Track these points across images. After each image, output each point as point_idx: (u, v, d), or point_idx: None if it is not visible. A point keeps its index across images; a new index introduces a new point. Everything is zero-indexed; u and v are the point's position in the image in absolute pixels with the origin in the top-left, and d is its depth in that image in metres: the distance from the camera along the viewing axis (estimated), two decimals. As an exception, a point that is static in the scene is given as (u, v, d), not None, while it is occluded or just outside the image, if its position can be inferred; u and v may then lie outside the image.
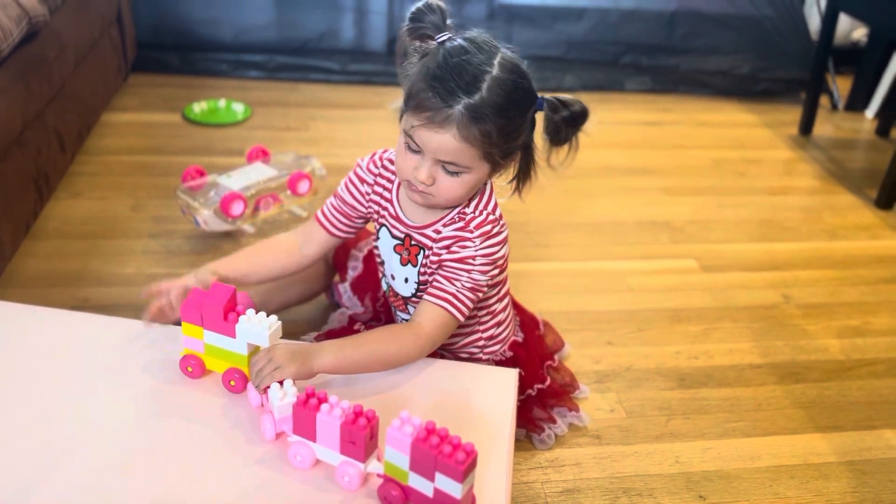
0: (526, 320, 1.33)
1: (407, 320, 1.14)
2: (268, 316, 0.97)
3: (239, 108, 2.31)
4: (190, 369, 1.00)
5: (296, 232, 1.21)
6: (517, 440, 1.18)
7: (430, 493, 0.81)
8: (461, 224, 1.06)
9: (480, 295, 1.08)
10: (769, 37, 2.69)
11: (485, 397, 1.03)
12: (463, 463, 0.77)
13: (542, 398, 1.23)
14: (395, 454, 0.82)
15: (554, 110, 1.01)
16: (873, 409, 1.34)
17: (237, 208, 1.61)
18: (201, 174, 1.69)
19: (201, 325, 0.97)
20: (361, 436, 0.83)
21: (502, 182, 1.09)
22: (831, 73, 2.72)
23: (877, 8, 2.15)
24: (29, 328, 1.08)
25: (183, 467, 0.89)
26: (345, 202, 1.17)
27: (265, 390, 0.92)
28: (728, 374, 1.40)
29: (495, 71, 0.95)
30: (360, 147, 2.13)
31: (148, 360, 1.03)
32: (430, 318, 1.04)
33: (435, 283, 1.06)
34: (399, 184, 1.11)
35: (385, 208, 1.13)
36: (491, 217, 1.06)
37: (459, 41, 0.98)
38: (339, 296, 1.39)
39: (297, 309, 1.41)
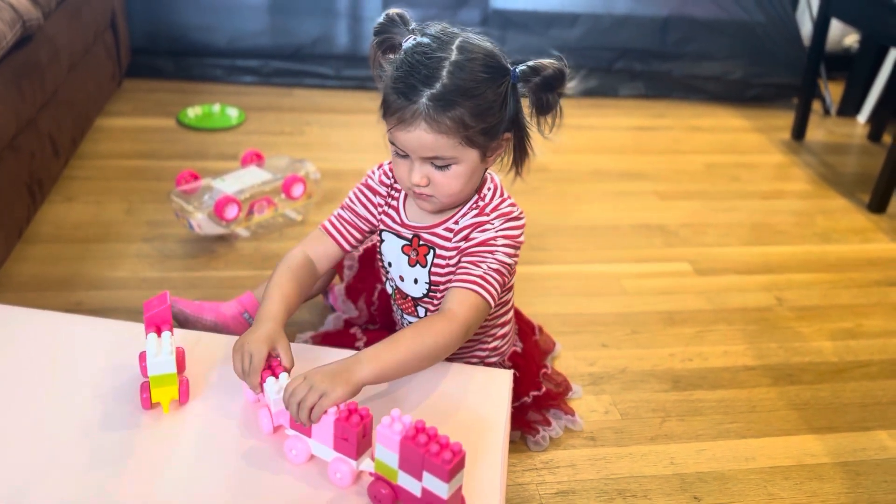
0: (523, 326, 1.33)
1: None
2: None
3: (233, 112, 2.31)
4: None
5: (306, 248, 1.12)
6: (512, 442, 1.17)
7: (418, 493, 0.81)
8: (476, 211, 1.05)
9: (506, 280, 1.05)
10: (762, 42, 2.70)
11: (480, 398, 1.03)
12: (449, 462, 0.77)
13: (538, 403, 1.23)
14: (384, 452, 0.82)
15: (526, 79, 0.98)
16: (867, 410, 1.34)
17: (231, 212, 1.61)
18: (195, 178, 1.69)
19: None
20: (354, 433, 0.83)
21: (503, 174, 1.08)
22: (823, 78, 2.74)
23: (868, 14, 2.16)
24: (23, 330, 1.08)
25: (177, 461, 0.89)
26: (357, 215, 1.14)
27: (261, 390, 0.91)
28: (722, 375, 1.40)
29: (454, 56, 0.95)
30: (354, 152, 2.13)
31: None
32: (459, 302, 0.99)
33: (460, 269, 1.03)
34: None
35: (391, 216, 1.12)
36: (507, 202, 1.06)
37: (418, 39, 0.98)
38: (335, 299, 1.39)
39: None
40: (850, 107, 2.71)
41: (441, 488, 0.78)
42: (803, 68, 2.49)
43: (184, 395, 0.96)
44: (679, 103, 2.73)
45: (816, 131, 2.58)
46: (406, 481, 0.82)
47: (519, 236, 1.05)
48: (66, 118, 1.81)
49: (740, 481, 1.17)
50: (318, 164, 1.87)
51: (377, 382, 0.94)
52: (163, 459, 0.89)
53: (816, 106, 2.71)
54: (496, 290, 1.02)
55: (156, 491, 0.85)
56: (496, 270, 1.02)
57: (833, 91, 2.81)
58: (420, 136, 0.95)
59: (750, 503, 1.13)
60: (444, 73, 0.94)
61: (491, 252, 1.03)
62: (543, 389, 1.23)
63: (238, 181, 1.68)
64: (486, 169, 1.07)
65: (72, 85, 1.85)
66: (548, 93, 0.99)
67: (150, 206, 1.78)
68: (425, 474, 0.79)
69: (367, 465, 0.86)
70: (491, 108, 0.97)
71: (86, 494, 0.84)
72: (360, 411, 0.85)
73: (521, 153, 1.06)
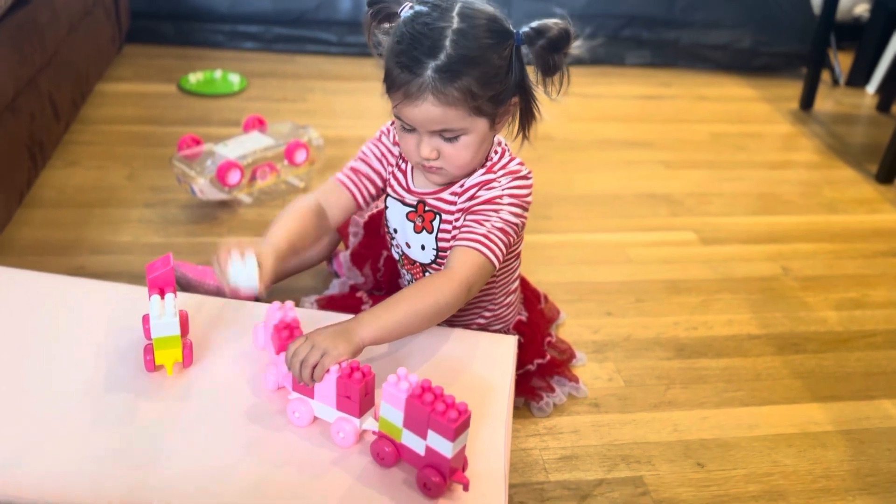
0: (529, 295, 1.32)
1: None
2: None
3: (235, 79, 2.28)
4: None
5: (317, 196, 1.11)
6: (516, 408, 1.17)
7: (421, 451, 0.81)
8: (483, 170, 1.03)
9: (512, 240, 1.02)
10: (770, 11, 2.66)
11: (484, 363, 1.03)
12: (455, 421, 0.77)
13: (542, 371, 1.23)
14: (389, 409, 0.82)
15: (531, 42, 0.96)
16: (871, 379, 1.34)
17: (234, 177, 1.59)
18: (197, 143, 1.67)
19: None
20: (356, 389, 0.83)
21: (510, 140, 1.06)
22: (833, 48, 2.70)
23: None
24: (26, 292, 1.07)
25: (181, 423, 0.89)
26: (373, 168, 1.11)
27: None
28: (727, 344, 1.40)
29: (456, 24, 0.92)
30: (357, 119, 2.11)
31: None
32: (461, 261, 0.97)
33: (464, 228, 1.01)
34: None
35: (398, 180, 1.11)
36: (515, 161, 1.04)
37: (416, 8, 0.95)
38: (340, 265, 1.38)
39: (294, 277, 1.40)
40: (859, 77, 2.67)
41: (446, 447, 0.78)
42: (812, 37, 2.45)
43: (187, 358, 0.96)
44: (686, 72, 2.69)
45: (825, 101, 2.55)
46: (410, 440, 0.81)
47: (526, 196, 1.03)
48: (66, 80, 1.79)
49: (744, 448, 1.17)
50: (320, 131, 1.84)
51: (378, 342, 0.92)
52: (166, 421, 0.89)
53: (825, 76, 2.68)
54: (501, 249, 1.00)
55: (159, 452, 0.85)
56: (500, 230, 1.00)
57: (842, 61, 2.77)
58: (427, 109, 0.93)
59: (753, 470, 1.13)
60: (448, 42, 0.91)
61: (496, 210, 1.01)
62: (548, 358, 1.23)
63: (240, 146, 1.66)
64: (495, 136, 1.05)
65: (71, 47, 1.83)
66: (553, 54, 0.97)
67: (152, 172, 1.77)
68: (430, 433, 0.79)
69: (369, 423, 0.86)
70: (497, 75, 0.95)
71: (89, 455, 0.84)
72: (362, 369, 0.84)
73: (527, 117, 1.03)
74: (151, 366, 0.94)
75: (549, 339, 1.28)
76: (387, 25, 0.99)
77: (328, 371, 0.84)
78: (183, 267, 1.31)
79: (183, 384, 0.94)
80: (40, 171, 1.66)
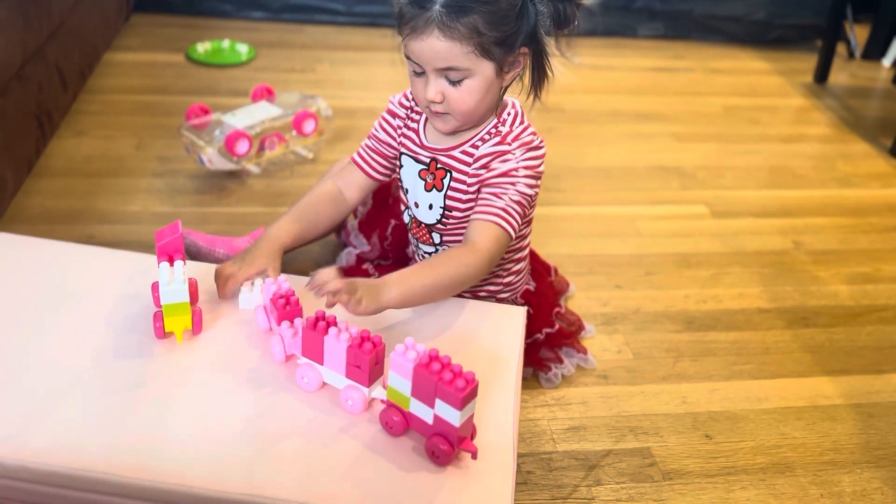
0: (538, 268, 1.31)
1: (430, 254, 1.14)
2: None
3: (243, 49, 2.26)
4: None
5: (333, 178, 1.18)
6: (524, 378, 1.17)
7: (430, 420, 0.81)
8: (498, 139, 1.04)
9: (527, 212, 1.05)
10: (786, -18, 2.62)
11: (493, 334, 1.03)
12: (463, 390, 0.77)
13: (550, 341, 1.23)
14: (397, 379, 0.82)
15: None
16: (882, 353, 1.33)
17: (242, 147, 1.59)
18: (205, 112, 1.66)
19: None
20: (367, 360, 0.83)
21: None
22: (849, 20, 2.65)
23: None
24: (36, 260, 1.07)
25: (190, 389, 0.89)
26: (380, 141, 1.14)
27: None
28: (736, 317, 1.39)
29: None
30: (365, 89, 2.09)
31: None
32: (482, 233, 1.00)
33: (482, 201, 1.03)
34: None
35: (410, 139, 1.11)
36: (528, 131, 1.05)
37: None
38: (347, 234, 1.38)
39: (302, 248, 1.39)
40: (875, 50, 2.63)
41: (453, 416, 0.78)
42: (828, 10, 2.41)
43: (197, 325, 0.96)
44: (699, 44, 2.66)
45: (840, 74, 2.51)
46: (418, 408, 0.82)
47: (539, 166, 1.04)
48: (73, 49, 1.77)
49: (752, 421, 1.17)
50: (329, 101, 1.83)
51: (401, 307, 0.96)
52: (176, 387, 0.89)
53: (840, 49, 2.64)
54: (518, 221, 1.03)
55: (169, 418, 0.85)
56: (517, 202, 1.02)
57: (858, 34, 2.73)
58: (433, 44, 0.93)
59: (762, 442, 1.13)
60: None
61: (512, 183, 1.02)
62: (556, 327, 1.23)
63: (249, 116, 1.65)
64: (503, 88, 1.04)
65: (79, 15, 1.81)
66: (566, 2, 0.97)
67: (161, 142, 1.76)
68: (438, 402, 0.79)
69: (378, 392, 0.86)
70: (506, 17, 0.95)
71: (99, 422, 0.84)
72: (372, 339, 0.84)
73: (539, 73, 1.03)
74: (161, 333, 0.94)
75: (557, 309, 1.27)
76: None
77: (339, 340, 0.84)
78: (193, 235, 1.31)
79: (192, 352, 0.94)
80: (49, 141, 1.65)
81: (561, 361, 1.21)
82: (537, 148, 1.04)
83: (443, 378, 0.78)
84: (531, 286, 1.26)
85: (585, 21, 1.02)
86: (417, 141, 1.10)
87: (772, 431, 1.15)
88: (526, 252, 1.20)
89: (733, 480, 1.07)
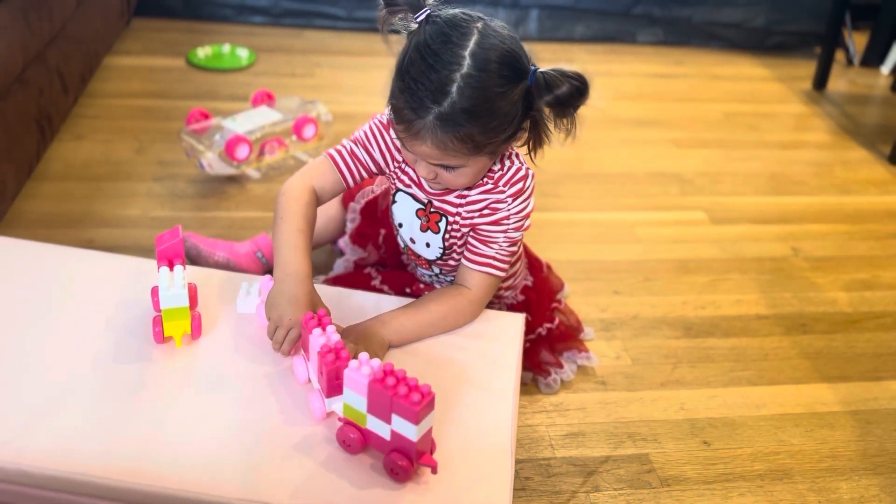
0: (531, 261, 1.32)
1: (431, 275, 1.17)
2: None
3: (243, 53, 2.27)
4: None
5: (313, 181, 1.07)
6: (523, 384, 1.18)
7: (387, 436, 0.80)
8: (490, 186, 1.03)
9: (517, 248, 1.09)
10: (785, -11, 2.62)
11: (492, 340, 1.03)
12: (418, 404, 0.76)
13: (552, 341, 1.23)
14: (353, 396, 0.81)
15: (539, 93, 0.92)
16: (880, 360, 1.33)
17: (242, 151, 1.59)
18: (206, 117, 1.67)
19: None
20: (326, 370, 0.82)
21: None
22: (848, 27, 2.66)
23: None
24: (36, 264, 1.08)
25: (189, 394, 0.89)
26: (371, 156, 1.08)
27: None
28: (735, 324, 1.39)
29: (465, 67, 0.88)
30: (365, 94, 2.10)
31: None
32: (476, 283, 1.06)
33: (472, 248, 1.06)
34: None
35: (406, 173, 1.09)
36: (520, 173, 1.03)
37: (432, 29, 0.90)
38: (343, 249, 1.38)
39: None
40: (873, 57, 2.64)
41: (410, 430, 0.77)
42: (827, 16, 2.41)
43: (196, 330, 0.96)
44: (698, 51, 2.66)
45: (838, 81, 2.52)
46: (375, 425, 0.81)
47: (529, 207, 1.06)
48: (74, 54, 1.78)
49: (750, 427, 1.17)
50: (329, 106, 1.83)
51: (396, 345, 1.00)
52: (175, 392, 0.90)
53: (839, 56, 2.64)
54: (508, 261, 1.07)
55: (167, 422, 0.86)
56: (508, 245, 1.06)
57: (857, 41, 2.74)
58: (427, 149, 0.92)
59: (760, 448, 1.14)
60: (454, 88, 0.88)
61: (503, 231, 1.05)
62: (556, 321, 1.23)
63: (249, 121, 1.66)
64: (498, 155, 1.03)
65: (80, 20, 1.82)
66: (562, 108, 0.94)
67: (161, 146, 1.76)
68: (394, 417, 0.78)
69: (337, 406, 0.85)
70: (503, 122, 0.92)
71: (98, 426, 0.84)
72: (340, 353, 0.83)
73: (536, 142, 1.01)
74: (160, 337, 0.94)
75: (556, 304, 1.28)
76: (401, 15, 0.95)
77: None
78: (194, 238, 1.32)
79: (191, 356, 0.94)
80: (49, 145, 1.65)
81: (561, 366, 1.21)
82: (526, 190, 1.04)
83: (398, 393, 0.77)
84: (529, 281, 1.27)
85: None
86: (416, 178, 1.08)
87: (770, 438, 1.16)
88: (520, 251, 1.21)
89: (731, 487, 1.07)
